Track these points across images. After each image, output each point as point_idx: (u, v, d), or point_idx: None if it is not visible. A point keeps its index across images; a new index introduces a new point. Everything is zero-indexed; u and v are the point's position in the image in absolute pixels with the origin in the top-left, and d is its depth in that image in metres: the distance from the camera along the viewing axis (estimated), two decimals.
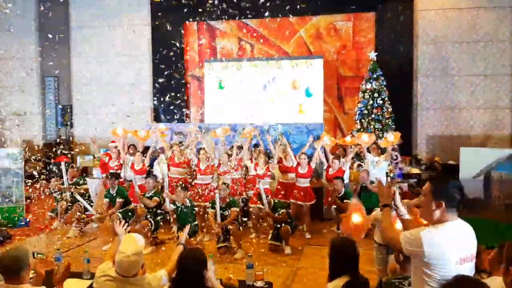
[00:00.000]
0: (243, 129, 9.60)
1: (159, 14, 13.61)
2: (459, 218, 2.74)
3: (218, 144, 9.84)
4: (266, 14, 11.47)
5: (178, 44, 14.01)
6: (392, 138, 8.59)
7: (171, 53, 13.42)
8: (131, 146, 9.76)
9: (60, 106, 14.57)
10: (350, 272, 3.20)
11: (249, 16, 13.47)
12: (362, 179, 8.04)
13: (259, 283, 4.64)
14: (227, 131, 9.41)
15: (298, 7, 12.38)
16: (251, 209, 8.26)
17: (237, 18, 13.44)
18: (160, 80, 13.91)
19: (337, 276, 3.21)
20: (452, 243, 2.62)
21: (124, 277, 3.21)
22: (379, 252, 5.10)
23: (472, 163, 9.55)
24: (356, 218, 4.75)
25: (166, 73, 13.83)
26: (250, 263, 4.89)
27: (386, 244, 4.98)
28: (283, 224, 7.21)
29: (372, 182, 7.87)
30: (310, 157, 8.45)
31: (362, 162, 9.68)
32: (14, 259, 3.07)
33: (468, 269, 2.67)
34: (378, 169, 8.51)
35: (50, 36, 12.22)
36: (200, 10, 11.98)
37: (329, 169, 8.69)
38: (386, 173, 9.10)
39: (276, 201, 7.67)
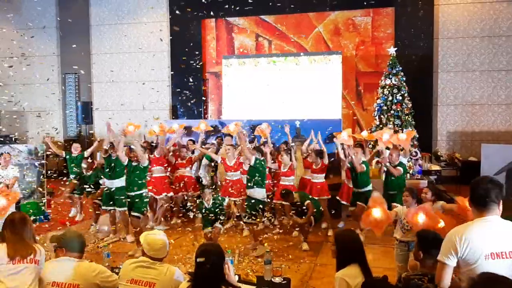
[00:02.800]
0: (257, 126, 9.49)
1: (178, 11, 13.64)
2: (497, 215, 2.72)
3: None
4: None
5: (196, 41, 14.07)
6: (404, 136, 8.25)
7: (190, 50, 13.47)
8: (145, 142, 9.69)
9: (80, 103, 14.72)
10: (358, 261, 3.28)
11: (267, 12, 13.43)
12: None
13: (277, 279, 4.62)
14: (238, 126, 9.28)
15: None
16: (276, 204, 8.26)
17: (255, 14, 13.42)
18: (178, 76, 13.98)
19: (344, 266, 3.31)
20: (481, 236, 2.61)
21: (153, 260, 3.28)
22: (399, 249, 5.04)
23: (494, 159, 9.41)
24: (377, 212, 4.69)
25: (184, 69, 13.89)
26: (268, 259, 4.87)
27: (406, 241, 4.92)
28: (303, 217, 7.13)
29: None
30: (321, 153, 8.29)
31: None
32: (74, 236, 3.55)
33: (502, 266, 2.57)
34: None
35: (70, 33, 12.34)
36: (218, 7, 11.97)
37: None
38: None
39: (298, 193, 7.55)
